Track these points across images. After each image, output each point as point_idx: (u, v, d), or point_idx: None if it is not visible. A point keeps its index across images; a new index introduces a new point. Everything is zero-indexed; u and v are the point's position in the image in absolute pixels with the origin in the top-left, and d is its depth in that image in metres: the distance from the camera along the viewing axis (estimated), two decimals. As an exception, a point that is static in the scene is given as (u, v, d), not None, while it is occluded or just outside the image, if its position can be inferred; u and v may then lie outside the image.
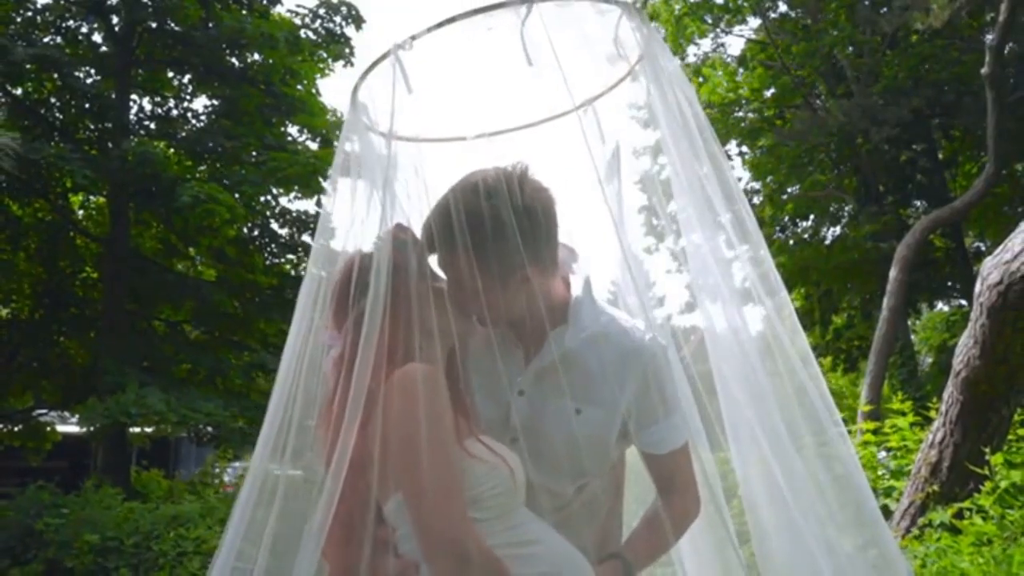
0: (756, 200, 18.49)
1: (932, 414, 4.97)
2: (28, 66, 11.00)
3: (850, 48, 15.56)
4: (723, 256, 1.50)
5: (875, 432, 5.54)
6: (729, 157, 16.85)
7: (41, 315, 12.63)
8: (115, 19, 12.20)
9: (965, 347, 4.06)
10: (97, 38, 12.64)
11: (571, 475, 1.44)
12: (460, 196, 1.36)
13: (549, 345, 1.42)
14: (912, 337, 18.10)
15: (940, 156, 17.40)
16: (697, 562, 1.68)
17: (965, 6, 11.99)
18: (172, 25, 11.92)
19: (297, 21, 13.36)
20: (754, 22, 18.34)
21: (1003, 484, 3.93)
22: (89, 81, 12.17)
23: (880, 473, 5.15)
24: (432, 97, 1.55)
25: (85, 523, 7.76)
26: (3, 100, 11.91)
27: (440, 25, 1.44)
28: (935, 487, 4.24)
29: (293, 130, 14.00)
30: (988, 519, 3.80)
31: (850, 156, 16.77)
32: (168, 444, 16.17)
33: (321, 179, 12.16)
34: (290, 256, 14.02)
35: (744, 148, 18.65)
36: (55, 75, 11.56)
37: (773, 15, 17.50)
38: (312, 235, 12.75)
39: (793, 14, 17.44)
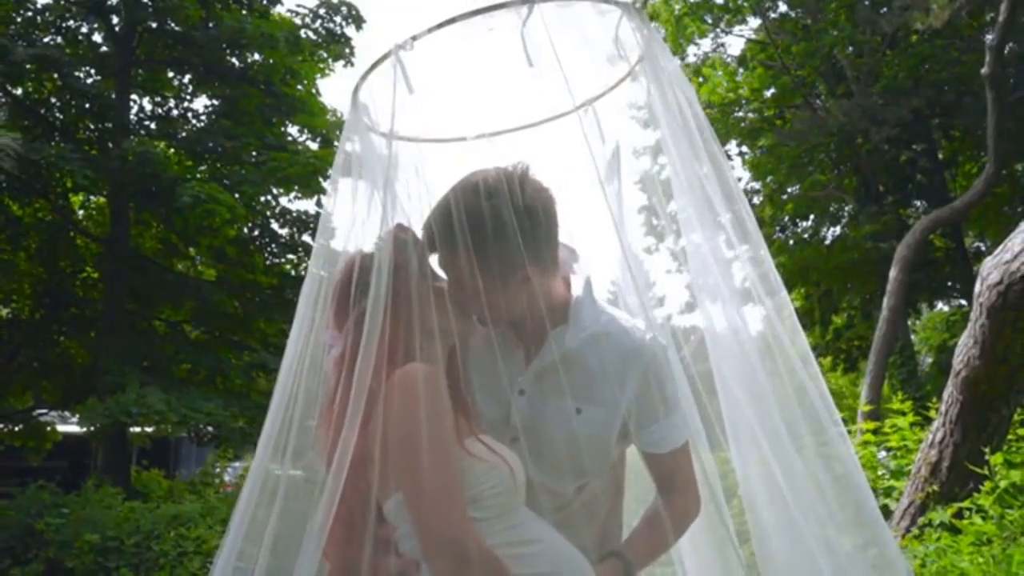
0: (756, 200, 18.49)
1: (932, 414, 4.97)
2: (28, 66, 11.00)
3: (850, 48, 15.56)
4: (723, 256, 1.50)
5: (875, 432, 5.54)
6: (729, 157, 16.87)
7: (41, 315, 12.63)
8: (115, 19, 12.20)
9: (965, 347, 4.06)
10: (97, 38, 12.65)
11: (571, 475, 1.44)
12: (461, 196, 1.37)
13: (550, 345, 1.43)
14: (912, 337, 18.10)
15: (940, 156, 17.40)
16: (697, 562, 1.68)
17: (965, 6, 11.99)
18: (172, 25, 11.92)
19: (297, 21, 13.35)
20: (754, 22, 18.37)
21: (1003, 484, 3.94)
22: (89, 81, 12.16)
23: (880, 473, 5.15)
24: (433, 97, 1.55)
25: (85, 523, 7.75)
26: (3, 100, 11.90)
27: (441, 25, 1.45)
28: (935, 487, 4.24)
29: (293, 130, 14.01)
30: (988, 519, 3.80)
31: (850, 156, 16.77)
32: (168, 444, 16.17)
33: (321, 179, 12.16)
34: (290, 256, 14.02)
35: (744, 148, 18.66)
36: (55, 75, 11.55)
37: (773, 15, 17.50)
38: (312, 235, 12.77)
39: (793, 14, 17.44)
